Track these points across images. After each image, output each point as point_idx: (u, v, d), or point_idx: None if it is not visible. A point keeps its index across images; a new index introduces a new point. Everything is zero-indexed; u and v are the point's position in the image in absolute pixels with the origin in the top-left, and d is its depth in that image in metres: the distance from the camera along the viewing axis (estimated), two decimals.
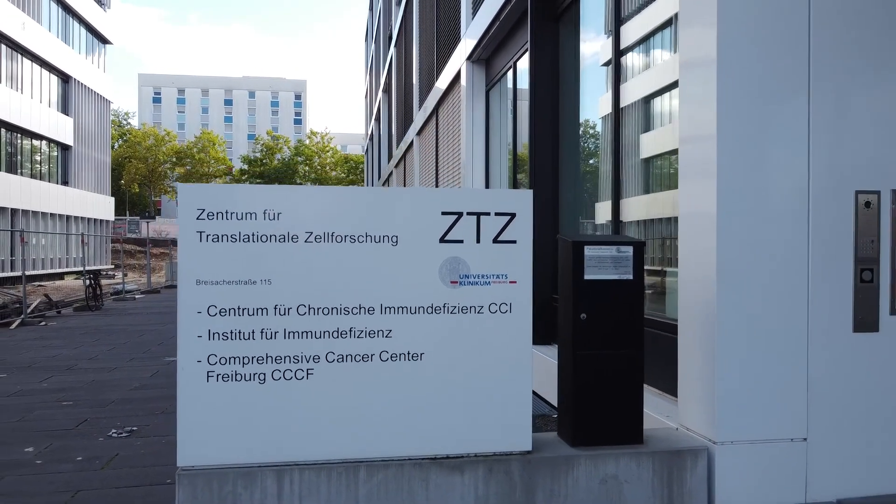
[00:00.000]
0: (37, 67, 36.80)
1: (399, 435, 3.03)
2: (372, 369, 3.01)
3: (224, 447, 2.92)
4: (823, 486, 3.40)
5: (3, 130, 33.66)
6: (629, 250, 3.30)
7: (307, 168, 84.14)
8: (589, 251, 3.27)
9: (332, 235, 2.99)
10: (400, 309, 3.03)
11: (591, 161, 6.44)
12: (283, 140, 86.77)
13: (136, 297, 21.04)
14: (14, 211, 33.89)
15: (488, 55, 9.61)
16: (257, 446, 2.94)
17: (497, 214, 3.11)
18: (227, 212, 2.93)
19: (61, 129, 39.35)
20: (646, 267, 4.20)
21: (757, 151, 3.33)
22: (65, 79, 40.20)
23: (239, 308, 2.93)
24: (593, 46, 6.21)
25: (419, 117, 15.73)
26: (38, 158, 37.62)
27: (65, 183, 40.49)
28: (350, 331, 3.00)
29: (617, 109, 5.41)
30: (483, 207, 3.10)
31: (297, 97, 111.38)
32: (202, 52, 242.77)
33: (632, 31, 5.31)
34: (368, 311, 3.02)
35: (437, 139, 13.44)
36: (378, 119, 34.11)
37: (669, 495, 3.25)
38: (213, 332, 2.92)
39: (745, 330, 3.32)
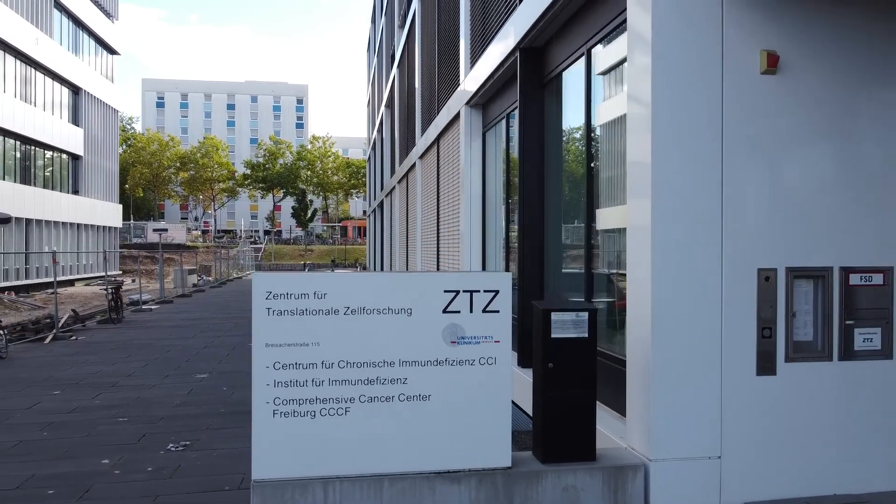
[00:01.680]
0: (49, 80, 37.92)
1: (413, 455, 4.11)
2: (392, 407, 4.09)
3: (285, 465, 4.00)
4: (733, 493, 4.48)
5: (17, 143, 34.76)
6: (585, 315, 4.38)
7: (309, 173, 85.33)
8: (555, 316, 4.35)
9: (363, 309, 4.08)
10: (413, 362, 4.11)
11: (570, 204, 7.51)
12: (285, 145, 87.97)
13: (152, 307, 22.08)
14: (28, 221, 34.99)
15: (485, 101, 10.68)
16: (309, 464, 4.02)
17: (485, 291, 4.20)
18: (287, 293, 4.01)
19: (72, 139, 40.48)
20: (616, 300, 5.28)
21: (683, 236, 4.40)
22: (75, 90, 41.34)
23: (296, 363, 4.01)
24: (571, 111, 7.29)
25: (421, 143, 16.79)
26: (49, 169, 38.70)
27: (75, 192, 41.61)
28: (377, 379, 4.08)
29: (589, 166, 6.48)
30: (475, 286, 4.19)
31: (299, 101, 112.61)
32: (202, 53, 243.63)
33: (602, 107, 6.39)
34: (390, 364, 4.10)
35: (438, 168, 14.52)
36: (381, 131, 35.15)
37: (615, 501, 4.33)
38: (277, 381, 4.00)
39: (673, 370, 4.39)
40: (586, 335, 4.38)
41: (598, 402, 5.66)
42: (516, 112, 8.29)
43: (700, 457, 4.44)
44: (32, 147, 36.38)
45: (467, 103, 10.96)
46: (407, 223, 21.20)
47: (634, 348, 4.62)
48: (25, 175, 35.79)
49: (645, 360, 4.45)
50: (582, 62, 6.57)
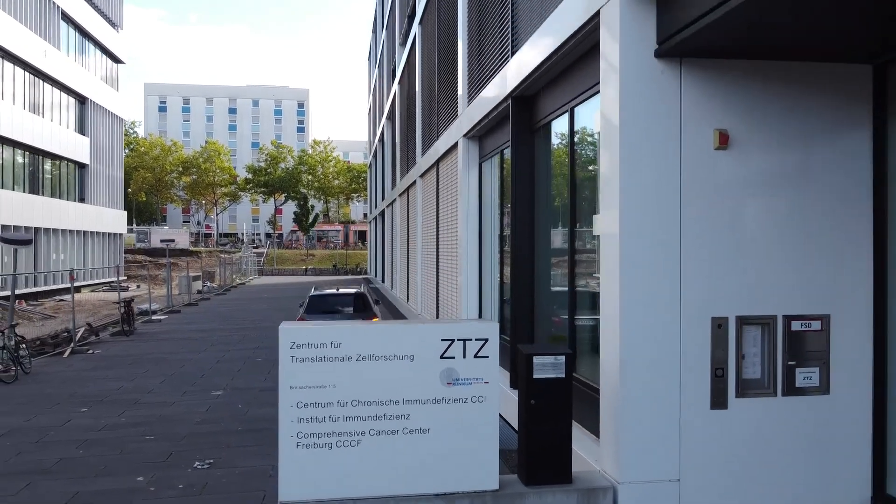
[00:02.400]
0: (56, 90, 38.68)
1: (416, 480, 4.82)
2: (397, 439, 4.81)
3: (307, 488, 4.72)
4: None
5: (25, 153, 35.50)
6: (563, 358, 5.10)
7: (311, 177, 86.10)
8: (536, 360, 5.07)
9: (372, 356, 4.79)
10: (415, 401, 4.83)
11: (554, 236, 8.23)
12: (286, 150, 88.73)
13: (161, 318, 22.79)
14: (36, 229, 35.72)
15: (481, 135, 11.41)
16: (327, 487, 4.74)
17: (476, 339, 4.91)
18: (308, 343, 4.73)
19: (78, 148, 41.24)
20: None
21: (647, 289, 5.12)
22: (81, 100, 42.10)
23: (315, 402, 4.73)
24: (558, 161, 8.01)
25: (422, 162, 17.51)
26: (57, 178, 39.43)
27: (81, 200, 42.37)
28: (384, 415, 4.80)
29: (574, 207, 7.21)
30: (467, 335, 4.91)
31: (300, 106, 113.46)
32: (202, 54, 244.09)
33: (582, 151, 7.11)
34: (395, 402, 4.82)
35: (437, 190, 15.25)
36: (382, 141, 35.87)
37: None
38: (300, 418, 4.72)
39: (638, 403, 5.11)
40: (563, 376, 5.10)
41: (578, 425, 6.41)
42: (509, 149, 9.02)
43: (662, 479, 5.15)
44: (40, 157, 37.13)
45: (465, 135, 11.69)
46: (408, 238, 21.92)
47: (606, 382, 5.34)
48: (34, 184, 36.53)
49: (614, 394, 5.17)
50: (566, 118, 7.31)
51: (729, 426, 5.24)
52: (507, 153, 9.68)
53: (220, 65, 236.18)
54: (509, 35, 8.72)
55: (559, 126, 7.80)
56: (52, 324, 23.80)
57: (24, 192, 35.03)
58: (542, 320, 8.56)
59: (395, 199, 27.01)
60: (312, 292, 14.40)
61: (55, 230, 37.87)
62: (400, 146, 24.74)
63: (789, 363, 5.30)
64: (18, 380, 11.98)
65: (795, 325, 5.30)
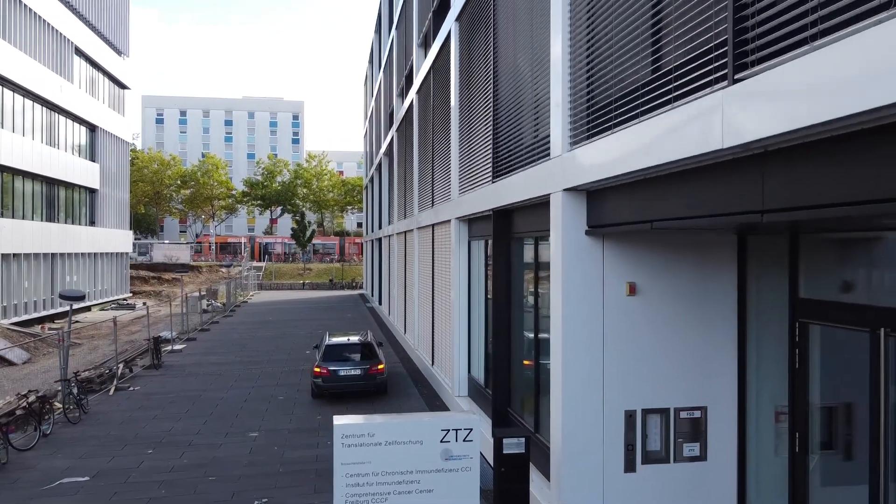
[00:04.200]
0: (69, 122, 40.84)
1: None
2: (412, 497, 7.21)
3: None
4: None
5: (43, 183, 37.67)
6: (523, 439, 7.52)
7: (306, 190, 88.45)
8: (505, 441, 7.49)
9: (394, 441, 7.20)
10: (423, 471, 7.24)
11: (524, 314, 10.63)
12: (283, 163, 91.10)
13: (180, 348, 24.98)
14: (53, 255, 37.91)
15: (470, 220, 13.82)
16: None
17: (465, 429, 7.33)
18: (353, 434, 7.13)
19: (89, 175, 43.40)
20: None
21: (581, 387, 7.53)
22: (91, 128, 44.28)
23: (357, 473, 7.13)
24: (527, 265, 10.43)
25: (421, 217, 19.88)
26: (70, 204, 41.57)
27: (91, 223, 44.53)
28: (403, 481, 7.20)
29: (536, 302, 9.62)
30: (459, 426, 7.32)
31: (295, 118, 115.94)
32: (195, 54, 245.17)
33: (542, 269, 9.54)
34: (409, 472, 7.22)
35: (433, 248, 17.67)
36: (379, 170, 38.12)
37: None
38: (348, 483, 7.12)
39: (574, 467, 7.52)
40: (523, 451, 7.53)
41: (539, 472, 8.82)
42: (491, 241, 11.45)
43: None
44: (56, 186, 39.27)
45: (457, 217, 14.11)
46: (405, 278, 24.28)
47: (553, 449, 7.76)
48: (50, 212, 38.68)
49: (558, 458, 7.59)
50: (532, 242, 9.75)
51: (637, 484, 7.68)
52: (490, 244, 12.09)
53: (213, 65, 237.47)
54: (490, 165, 11.14)
55: (528, 244, 10.24)
56: (80, 351, 26.04)
57: (41, 220, 37.18)
58: (517, 378, 10.98)
59: (392, 235, 29.35)
60: (327, 340, 16.68)
61: (69, 254, 40.02)
62: (397, 193, 27.00)
63: (679, 440, 7.75)
64: (82, 420, 14.29)
65: (683, 414, 7.74)
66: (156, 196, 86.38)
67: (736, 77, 4.39)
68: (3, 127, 32.57)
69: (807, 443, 6.69)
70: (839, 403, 6.59)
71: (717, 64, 4.63)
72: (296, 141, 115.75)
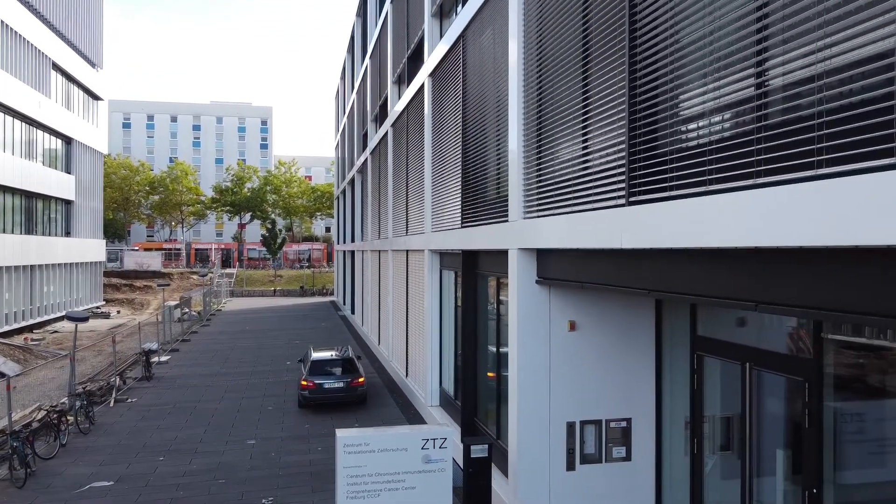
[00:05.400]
0: (47, 135, 41.75)
1: None
2: (399, 493, 9.12)
3: None
4: None
5: (21, 197, 38.58)
6: (487, 446, 9.50)
7: (276, 197, 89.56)
8: (472, 447, 9.46)
9: (384, 449, 9.11)
10: (407, 472, 9.16)
11: (488, 337, 12.60)
12: (252, 170, 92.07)
13: (166, 359, 26.41)
14: (32, 267, 38.84)
15: (441, 252, 15.77)
16: None
17: (440, 438, 9.27)
18: (352, 443, 9.02)
19: (65, 186, 44.32)
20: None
21: (532, 402, 9.52)
22: (68, 141, 45.20)
23: (356, 475, 9.03)
24: (490, 291, 12.41)
25: (395, 242, 21.77)
26: (47, 216, 42.45)
27: (67, 234, 45.42)
28: (391, 480, 9.12)
29: (498, 331, 11.59)
30: (435, 436, 9.26)
31: (264, 123, 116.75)
32: (154, 50, 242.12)
33: (503, 306, 11.51)
34: (397, 473, 9.14)
35: (407, 272, 19.58)
36: (352, 185, 39.80)
37: None
38: (348, 483, 9.01)
39: (526, 466, 9.51)
40: (486, 455, 9.50)
41: (499, 470, 10.80)
42: (461, 274, 13.42)
43: None
44: (34, 199, 40.17)
45: (430, 249, 16.05)
46: (379, 295, 26.12)
47: (511, 452, 9.74)
48: (28, 225, 39.58)
49: (514, 460, 9.58)
50: (495, 281, 11.74)
51: (577, 480, 9.72)
52: (461, 275, 14.06)
53: (176, 62, 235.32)
54: (459, 212, 13.10)
55: (491, 280, 12.24)
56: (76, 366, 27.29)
57: (21, 233, 38.11)
58: (482, 392, 12.96)
59: (365, 251, 31.13)
60: (313, 356, 18.48)
61: (47, 265, 40.94)
62: (371, 213, 28.78)
63: (609, 444, 9.80)
64: (92, 431, 15.87)
65: (612, 424, 9.80)
66: (124, 202, 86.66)
67: (630, 200, 6.43)
68: None
69: (702, 446, 8.79)
70: (725, 415, 8.70)
71: (619, 187, 6.67)
72: (264, 146, 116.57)
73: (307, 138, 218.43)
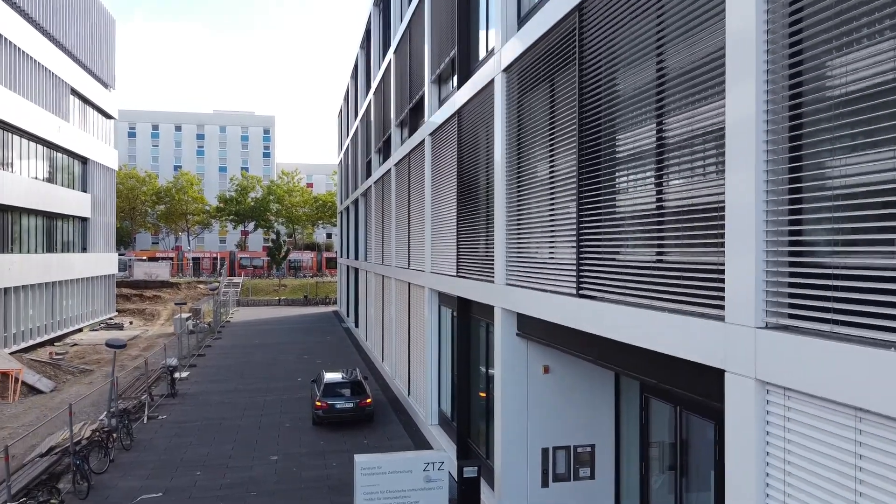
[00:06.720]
0: (65, 157, 43.95)
1: None
2: None
3: None
4: None
5: (44, 218, 40.76)
6: (476, 467, 11.71)
7: (279, 206, 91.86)
8: (465, 469, 11.67)
9: (392, 471, 11.32)
10: (412, 490, 11.37)
11: (480, 369, 14.78)
12: (255, 180, 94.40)
13: (185, 375, 28.56)
14: (54, 283, 41.03)
15: (440, 292, 17.96)
16: None
17: (439, 461, 11.48)
18: (368, 466, 11.23)
19: (82, 205, 46.51)
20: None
21: (512, 433, 11.72)
22: (84, 161, 47.39)
23: (370, 493, 11.24)
24: (481, 333, 14.61)
25: (398, 273, 23.96)
26: (66, 234, 44.66)
27: (84, 249, 47.61)
28: (399, 497, 11.32)
29: (487, 358, 13.78)
30: (435, 460, 11.47)
31: (266, 132, 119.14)
32: (158, 60, 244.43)
33: (491, 349, 13.72)
34: (403, 490, 11.35)
35: (409, 304, 21.78)
36: (356, 205, 41.95)
37: None
38: (365, 499, 11.22)
39: (510, 482, 11.71)
40: (476, 475, 11.72)
41: (488, 485, 13.02)
42: (456, 315, 15.63)
43: None
44: (54, 219, 42.37)
45: (430, 287, 18.25)
46: (383, 315, 28.31)
47: (497, 469, 11.95)
48: (50, 243, 41.78)
49: (499, 476, 11.78)
50: (485, 327, 13.96)
51: (550, 495, 11.93)
52: (456, 316, 16.25)
53: (176, 67, 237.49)
54: (455, 264, 15.29)
55: (481, 328, 14.46)
56: (96, 379, 29.48)
57: (43, 252, 40.31)
58: (474, 414, 15.17)
59: (370, 272, 33.31)
60: (326, 378, 20.69)
61: (66, 281, 43.13)
62: (374, 238, 30.94)
63: (576, 466, 12.02)
64: (133, 447, 18.07)
65: (580, 449, 12.03)
66: (131, 211, 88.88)
67: (579, 293, 8.64)
68: (12, 171, 35.78)
69: (648, 467, 11.01)
70: (662, 442, 10.90)
71: (570, 282, 8.88)
72: (267, 154, 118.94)
73: (309, 145, 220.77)
